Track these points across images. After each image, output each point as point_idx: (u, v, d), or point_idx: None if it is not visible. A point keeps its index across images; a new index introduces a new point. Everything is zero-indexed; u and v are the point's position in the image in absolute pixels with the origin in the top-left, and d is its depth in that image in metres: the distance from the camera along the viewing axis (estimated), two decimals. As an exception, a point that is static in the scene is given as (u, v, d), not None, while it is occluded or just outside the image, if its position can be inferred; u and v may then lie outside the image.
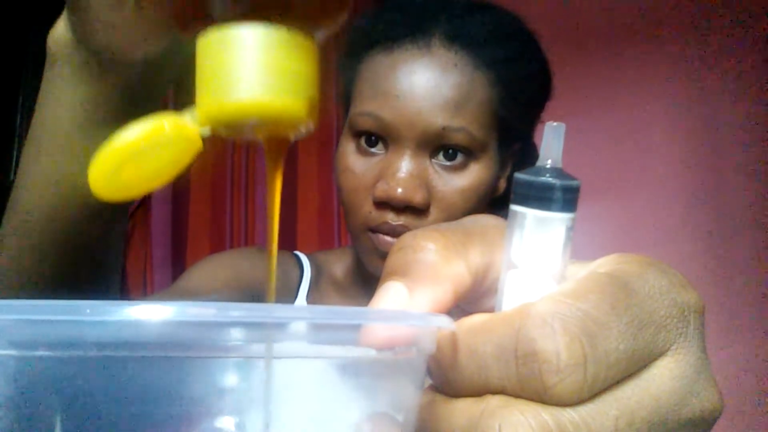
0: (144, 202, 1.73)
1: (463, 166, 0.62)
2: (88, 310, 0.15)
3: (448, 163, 0.62)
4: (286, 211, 1.68)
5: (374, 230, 0.62)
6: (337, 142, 0.68)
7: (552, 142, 0.21)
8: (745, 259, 1.38)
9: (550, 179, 0.20)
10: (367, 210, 0.62)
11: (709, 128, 1.43)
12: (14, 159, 1.82)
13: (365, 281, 0.72)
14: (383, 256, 0.61)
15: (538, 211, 0.21)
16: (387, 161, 0.62)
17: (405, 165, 0.61)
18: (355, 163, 0.63)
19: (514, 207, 0.21)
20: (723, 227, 1.40)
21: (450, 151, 0.62)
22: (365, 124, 0.62)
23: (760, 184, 1.39)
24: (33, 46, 1.68)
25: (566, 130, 0.21)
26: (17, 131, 1.80)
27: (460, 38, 0.62)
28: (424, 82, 0.60)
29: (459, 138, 0.61)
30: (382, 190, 0.60)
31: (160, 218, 1.71)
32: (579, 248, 0.23)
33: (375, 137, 0.63)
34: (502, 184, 0.69)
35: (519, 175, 0.21)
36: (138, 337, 0.15)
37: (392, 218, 0.61)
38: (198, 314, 0.15)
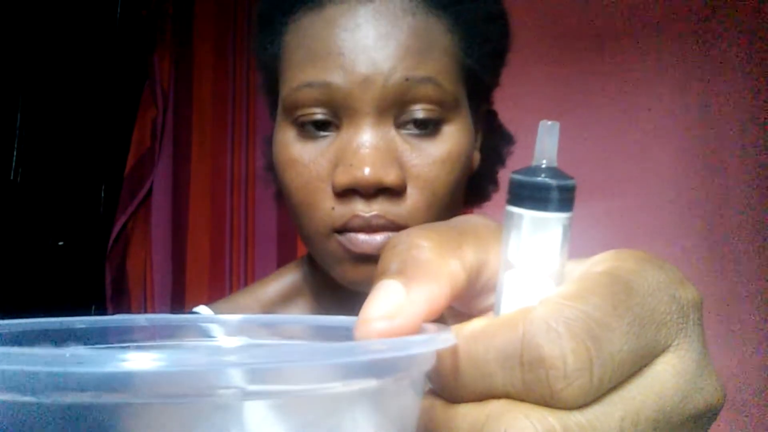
0: (144, 202, 1.72)
1: (435, 132, 0.50)
2: (77, 360, 0.14)
3: (418, 131, 0.49)
4: (284, 214, 1.67)
5: (342, 230, 0.49)
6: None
7: (547, 141, 0.21)
8: (743, 257, 1.38)
9: (546, 179, 0.20)
10: (329, 206, 0.49)
11: (707, 126, 1.43)
12: (14, 158, 1.81)
13: (333, 294, 0.58)
14: (360, 259, 0.49)
15: (535, 212, 0.20)
16: (343, 140, 0.49)
17: (367, 138, 0.48)
18: (302, 151, 0.50)
19: (510, 208, 0.21)
20: (721, 225, 1.40)
21: (418, 116, 0.49)
22: (308, 97, 0.49)
23: (758, 182, 1.39)
24: (34, 46, 1.68)
25: (561, 128, 0.21)
26: (17, 131, 1.80)
27: None
28: (373, 31, 0.48)
29: (427, 91, 0.49)
30: (343, 175, 0.47)
31: (160, 218, 1.71)
32: (576, 247, 0.23)
33: (321, 119, 0.50)
34: (477, 157, 0.58)
35: (514, 176, 0.21)
36: (128, 385, 0.15)
37: (363, 209, 0.48)
38: (190, 361, 0.15)
